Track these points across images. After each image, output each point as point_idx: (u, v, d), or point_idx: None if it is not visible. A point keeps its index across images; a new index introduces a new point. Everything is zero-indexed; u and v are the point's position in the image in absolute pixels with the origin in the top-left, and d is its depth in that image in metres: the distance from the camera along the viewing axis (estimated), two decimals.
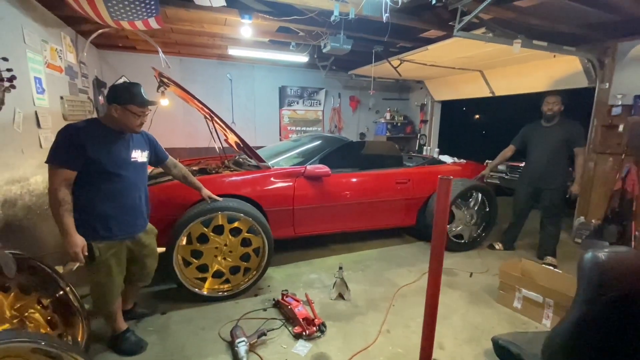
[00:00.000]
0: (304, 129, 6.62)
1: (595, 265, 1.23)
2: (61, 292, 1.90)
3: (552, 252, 3.35)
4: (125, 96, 1.69)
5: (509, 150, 3.59)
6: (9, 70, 2.11)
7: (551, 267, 2.69)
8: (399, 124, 7.07)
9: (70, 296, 1.92)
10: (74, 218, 1.64)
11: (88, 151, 1.61)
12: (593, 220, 3.85)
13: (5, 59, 2.08)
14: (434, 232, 1.35)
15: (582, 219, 3.97)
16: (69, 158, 1.58)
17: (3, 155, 2.21)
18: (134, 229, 1.87)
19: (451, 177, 1.29)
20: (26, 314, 1.69)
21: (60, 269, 2.62)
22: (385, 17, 2.73)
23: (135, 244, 1.91)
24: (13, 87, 2.13)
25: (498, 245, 3.68)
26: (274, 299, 2.48)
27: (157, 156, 2.08)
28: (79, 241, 1.63)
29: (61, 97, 3.22)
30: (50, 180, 1.59)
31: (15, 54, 2.38)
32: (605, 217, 3.72)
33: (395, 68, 5.05)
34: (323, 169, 3.03)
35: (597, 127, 3.90)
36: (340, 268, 2.59)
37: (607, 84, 3.80)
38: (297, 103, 6.49)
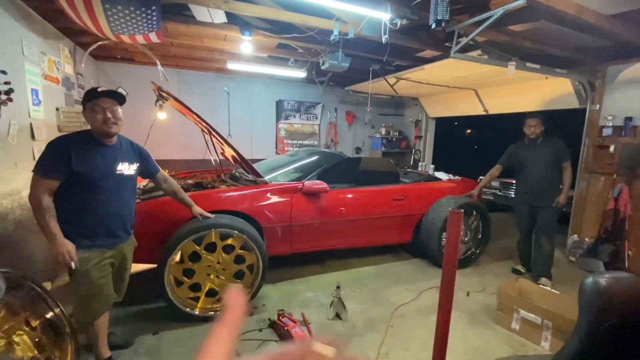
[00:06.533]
0: (300, 142, 6.65)
1: (596, 291, 1.23)
2: (50, 313, 1.83)
3: (547, 273, 3.29)
4: (84, 99, 1.70)
5: (496, 170, 3.56)
6: (6, 83, 2.09)
7: (547, 288, 2.70)
8: (394, 139, 7.14)
9: (59, 316, 1.85)
10: None
11: (73, 163, 1.62)
12: (586, 239, 3.88)
13: (3, 72, 2.06)
14: (445, 266, 1.32)
15: (575, 237, 4.01)
16: (54, 169, 1.60)
17: None
18: (117, 240, 1.84)
19: (462, 210, 1.28)
20: (14, 336, 1.62)
21: (48, 285, 2.54)
22: (384, 38, 2.78)
23: (116, 256, 1.86)
24: (10, 100, 2.10)
25: (523, 269, 3.55)
26: (269, 319, 2.42)
27: (147, 170, 2.07)
28: (68, 242, 1.62)
29: (57, 109, 3.19)
30: (33, 189, 1.60)
31: (13, 66, 2.36)
32: (599, 236, 3.76)
33: (391, 86, 5.13)
34: (321, 185, 3.02)
35: (589, 147, 3.99)
36: (338, 287, 2.56)
37: (598, 106, 3.90)
38: (294, 117, 6.52)
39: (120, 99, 1.73)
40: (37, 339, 1.73)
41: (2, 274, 1.57)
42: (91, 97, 1.68)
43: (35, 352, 1.68)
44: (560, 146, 3.21)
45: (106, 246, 1.78)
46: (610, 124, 3.75)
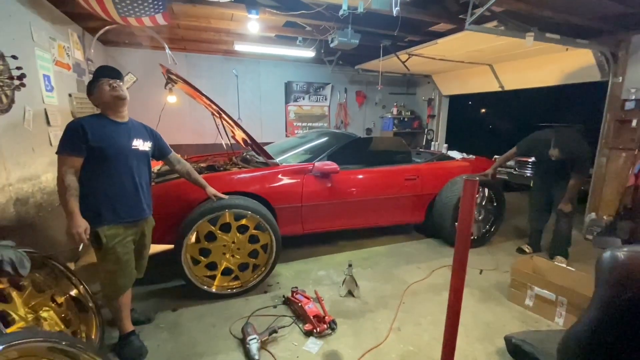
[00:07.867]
0: (310, 124, 6.59)
1: (614, 264, 1.20)
2: (74, 290, 1.92)
3: (563, 252, 3.23)
4: (88, 87, 1.82)
5: (512, 153, 3.46)
6: (18, 68, 2.11)
7: (562, 266, 2.66)
8: (405, 119, 7.01)
9: (83, 293, 1.94)
10: (81, 205, 1.71)
11: (90, 139, 1.69)
12: (605, 217, 3.79)
13: (14, 57, 2.08)
14: (458, 237, 1.30)
15: (593, 215, 3.92)
16: (74, 145, 1.68)
17: (14, 153, 2.22)
18: (139, 214, 1.90)
19: (477, 177, 1.26)
20: (41, 311, 1.71)
21: (72, 265, 2.66)
22: (395, 11, 2.68)
23: (136, 233, 1.94)
24: (23, 85, 2.13)
25: (528, 249, 3.48)
26: (284, 296, 2.48)
27: (160, 150, 2.12)
28: (82, 223, 1.69)
29: (69, 95, 3.23)
30: (58, 169, 1.68)
31: (24, 52, 2.38)
32: (618, 214, 3.66)
33: (403, 62, 4.98)
34: (331, 165, 3.01)
35: (610, 122, 3.83)
36: (350, 265, 2.59)
37: (621, 78, 3.72)
38: (303, 98, 6.45)
39: (119, 77, 1.82)
40: (63, 315, 1.82)
41: (26, 253, 1.64)
42: (93, 80, 1.79)
43: (62, 326, 1.78)
44: (580, 160, 3.01)
45: (129, 221, 1.86)
46: (634, 97, 3.58)
